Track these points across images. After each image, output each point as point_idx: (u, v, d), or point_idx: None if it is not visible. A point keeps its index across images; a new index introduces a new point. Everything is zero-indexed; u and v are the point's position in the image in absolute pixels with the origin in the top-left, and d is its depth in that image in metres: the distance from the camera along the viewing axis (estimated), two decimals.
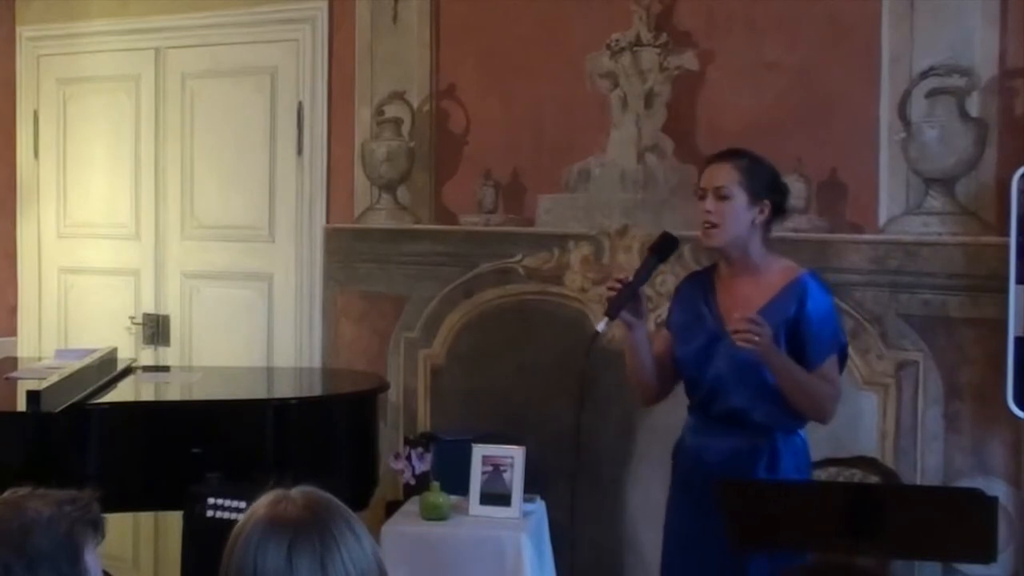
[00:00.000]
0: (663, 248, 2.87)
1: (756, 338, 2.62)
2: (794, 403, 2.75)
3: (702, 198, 2.82)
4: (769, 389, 2.75)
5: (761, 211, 2.79)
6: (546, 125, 4.12)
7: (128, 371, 4.28)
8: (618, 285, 2.77)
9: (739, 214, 2.77)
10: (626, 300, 2.76)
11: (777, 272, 2.83)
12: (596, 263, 4.05)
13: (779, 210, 2.86)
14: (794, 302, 2.76)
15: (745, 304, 2.76)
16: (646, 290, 3.37)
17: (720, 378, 2.81)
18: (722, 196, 2.77)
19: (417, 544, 3.57)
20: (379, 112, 4.40)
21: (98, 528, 1.60)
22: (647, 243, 3.92)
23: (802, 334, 2.75)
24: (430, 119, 4.33)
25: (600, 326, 2.78)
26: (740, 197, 2.77)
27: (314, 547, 1.51)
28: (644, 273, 2.84)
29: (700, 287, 2.92)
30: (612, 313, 2.75)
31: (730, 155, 2.84)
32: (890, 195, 3.62)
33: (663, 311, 3.18)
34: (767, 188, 2.81)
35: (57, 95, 5.09)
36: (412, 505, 3.75)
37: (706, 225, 2.79)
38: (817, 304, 2.77)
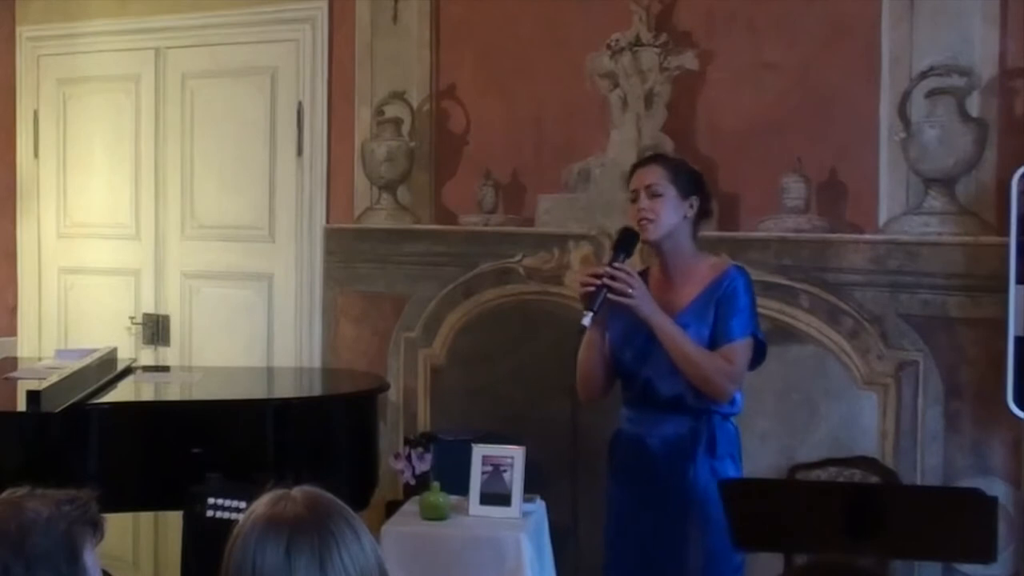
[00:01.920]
0: (626, 242, 2.97)
1: (630, 289, 2.80)
2: (682, 371, 2.86)
3: (635, 200, 2.96)
4: None
5: (691, 206, 2.95)
6: (546, 125, 4.12)
7: (128, 371, 4.28)
8: (596, 281, 2.86)
9: (671, 209, 2.92)
10: (604, 294, 2.85)
11: (707, 267, 2.97)
12: (596, 263, 4.04)
13: (705, 210, 3.02)
14: (719, 290, 2.90)
15: (681, 297, 2.92)
16: None
17: (657, 368, 2.91)
18: (654, 193, 2.92)
19: (417, 544, 3.57)
20: (379, 112, 4.40)
21: (97, 528, 1.59)
22: (647, 243, 3.93)
23: (717, 313, 2.88)
24: (430, 119, 4.33)
25: (585, 320, 2.86)
26: (670, 192, 2.93)
27: (312, 546, 1.51)
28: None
29: None
30: (593, 307, 2.84)
31: (655, 158, 3.08)
32: (890, 195, 3.62)
33: None
34: (694, 186, 2.97)
35: (57, 95, 5.09)
36: (412, 505, 3.75)
37: (643, 222, 2.93)
38: (736, 289, 2.90)
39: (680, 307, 2.92)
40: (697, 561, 2.83)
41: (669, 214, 2.91)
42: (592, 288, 2.85)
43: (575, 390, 3.02)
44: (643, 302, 2.84)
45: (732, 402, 2.93)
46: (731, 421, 2.97)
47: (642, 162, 3.07)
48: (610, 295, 2.82)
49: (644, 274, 3.03)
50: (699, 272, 2.95)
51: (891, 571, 3.48)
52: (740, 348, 2.88)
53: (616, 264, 2.86)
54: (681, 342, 2.84)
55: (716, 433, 2.90)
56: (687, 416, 2.90)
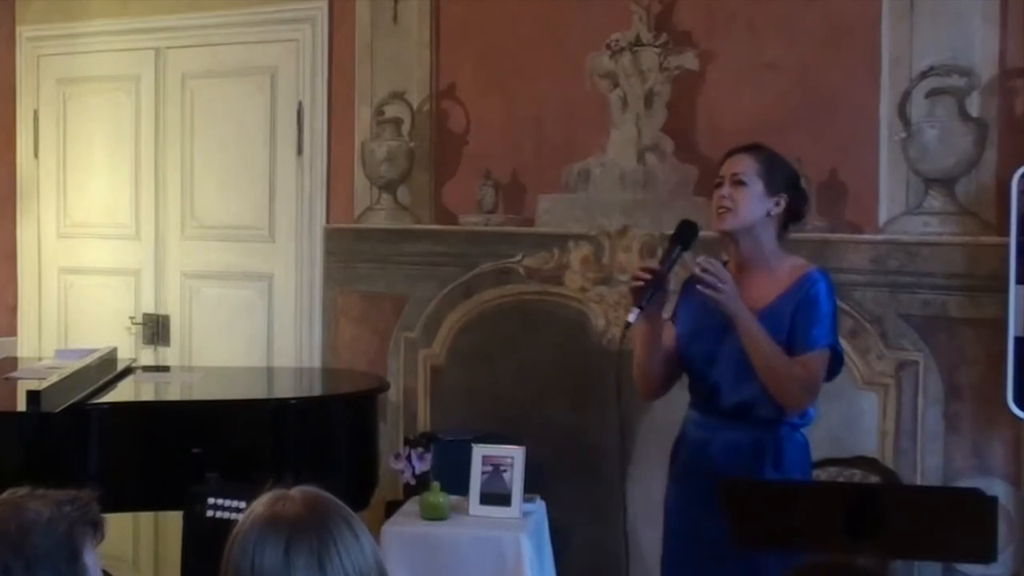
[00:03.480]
0: (685, 235, 2.84)
1: (721, 284, 2.67)
2: (760, 376, 2.73)
3: (719, 186, 2.82)
4: None
5: (777, 203, 2.80)
6: (546, 125, 4.12)
7: (128, 371, 4.28)
8: (646, 275, 2.73)
9: (753, 201, 2.78)
10: (655, 289, 2.73)
11: (788, 269, 2.83)
12: (596, 263, 4.05)
13: (795, 211, 2.87)
14: (800, 293, 2.77)
15: (756, 299, 2.78)
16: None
17: (726, 372, 2.80)
18: (738, 182, 2.79)
19: (417, 544, 3.57)
20: (379, 112, 4.40)
21: (97, 528, 1.59)
22: (647, 243, 3.93)
23: (796, 318, 2.75)
24: (430, 119, 4.33)
25: (631, 316, 2.72)
26: (756, 185, 2.78)
27: (311, 545, 1.52)
28: (669, 262, 2.80)
29: None
30: (641, 303, 2.72)
31: (751, 147, 2.87)
32: (890, 195, 3.62)
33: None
34: (785, 183, 2.83)
35: (57, 95, 5.09)
36: (412, 505, 3.75)
37: (720, 210, 2.80)
38: (818, 295, 2.77)
39: (754, 310, 2.75)
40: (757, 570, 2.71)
41: (750, 207, 2.77)
42: (641, 283, 2.72)
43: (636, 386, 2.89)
44: (730, 299, 2.68)
45: (803, 413, 2.82)
46: (801, 432, 2.84)
47: (736, 149, 2.88)
48: (700, 287, 2.68)
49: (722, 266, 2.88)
50: (778, 274, 2.81)
51: (891, 571, 3.48)
52: (818, 358, 2.75)
53: (705, 258, 2.71)
54: (764, 346, 2.69)
55: (783, 445, 2.78)
56: (753, 425, 2.78)
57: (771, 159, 2.84)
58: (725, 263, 2.89)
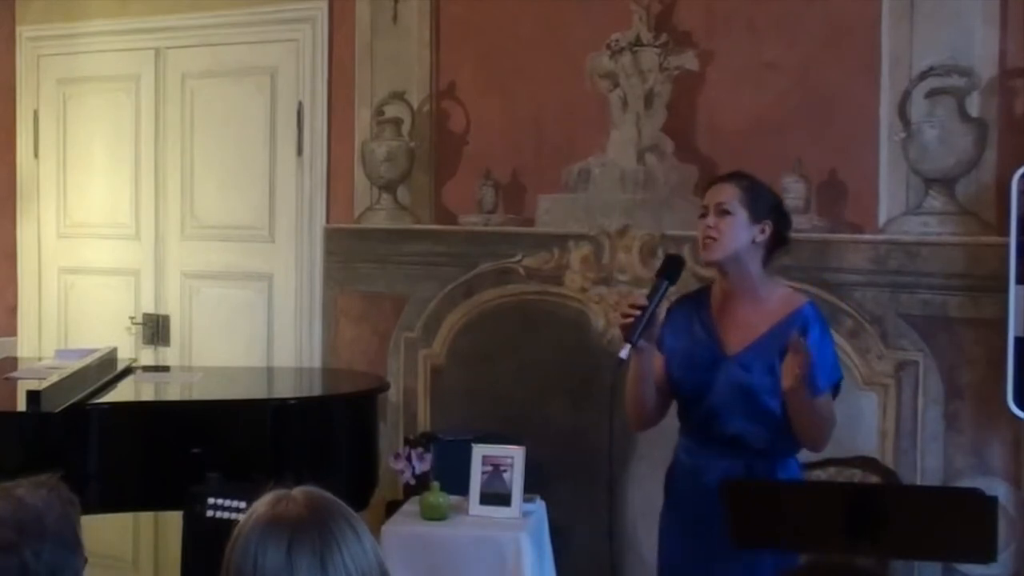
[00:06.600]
0: (671, 269, 2.82)
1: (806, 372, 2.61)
2: (802, 431, 2.73)
3: (703, 216, 2.81)
4: (769, 415, 2.73)
5: (762, 231, 2.78)
6: (546, 125, 4.12)
7: (128, 371, 4.28)
8: (635, 311, 2.70)
9: (739, 230, 2.76)
10: (644, 325, 2.70)
11: (778, 300, 2.81)
12: (596, 263, 4.05)
13: (780, 237, 2.85)
14: (789, 332, 2.69)
15: (746, 329, 2.76)
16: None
17: (720, 403, 2.77)
18: (723, 211, 2.76)
19: (417, 544, 3.57)
20: (379, 112, 4.40)
21: (74, 504, 1.72)
22: (647, 243, 3.94)
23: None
24: (430, 119, 4.33)
25: (623, 353, 2.69)
26: (741, 214, 2.76)
27: (314, 545, 1.52)
28: (657, 297, 2.75)
29: (694, 309, 2.89)
30: (632, 339, 2.69)
31: (734, 176, 2.86)
32: (890, 195, 3.62)
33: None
34: (768, 210, 2.81)
35: (57, 95, 5.09)
36: (412, 505, 3.75)
37: (706, 240, 2.78)
38: (818, 336, 2.74)
39: (744, 343, 2.76)
40: None
41: (735, 235, 2.74)
42: (631, 319, 2.67)
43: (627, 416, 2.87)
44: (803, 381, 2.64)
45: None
46: (795, 456, 2.84)
47: (719, 178, 2.88)
48: (792, 376, 2.59)
49: (707, 291, 2.90)
50: (767, 304, 2.78)
51: (891, 571, 3.48)
52: (830, 398, 2.77)
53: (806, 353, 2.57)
54: (819, 406, 2.69)
55: (776, 470, 2.77)
56: (747, 455, 2.76)
57: (754, 187, 2.82)
58: (710, 287, 2.90)
